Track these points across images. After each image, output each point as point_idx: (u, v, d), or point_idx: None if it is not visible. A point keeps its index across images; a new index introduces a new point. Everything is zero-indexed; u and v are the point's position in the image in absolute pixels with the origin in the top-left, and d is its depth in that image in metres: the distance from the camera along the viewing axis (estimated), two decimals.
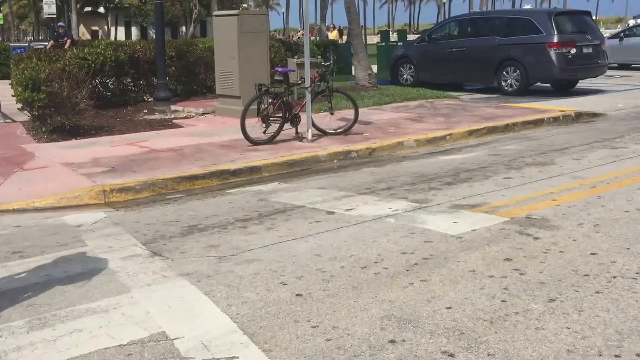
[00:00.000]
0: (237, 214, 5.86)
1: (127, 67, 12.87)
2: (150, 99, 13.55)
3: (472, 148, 8.87)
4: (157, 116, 12.07)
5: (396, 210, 5.67)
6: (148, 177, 7.12)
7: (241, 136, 8.98)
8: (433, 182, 6.76)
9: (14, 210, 6.27)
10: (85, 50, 12.28)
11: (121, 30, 67.63)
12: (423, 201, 5.97)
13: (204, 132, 10.07)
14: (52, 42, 19.32)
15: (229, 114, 11.50)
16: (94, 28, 68.16)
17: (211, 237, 5.15)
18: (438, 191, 6.35)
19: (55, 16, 26.61)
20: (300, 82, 9.24)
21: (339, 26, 65.82)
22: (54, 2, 26.33)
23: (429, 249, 4.57)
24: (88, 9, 63.61)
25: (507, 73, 14.33)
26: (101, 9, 66.80)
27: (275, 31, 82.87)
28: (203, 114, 12.10)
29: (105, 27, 67.93)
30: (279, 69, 9.28)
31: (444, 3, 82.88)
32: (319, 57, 15.73)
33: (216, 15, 11.92)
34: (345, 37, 27.63)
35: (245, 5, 51.83)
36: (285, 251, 4.68)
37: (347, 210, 5.76)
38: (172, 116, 12.02)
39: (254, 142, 8.82)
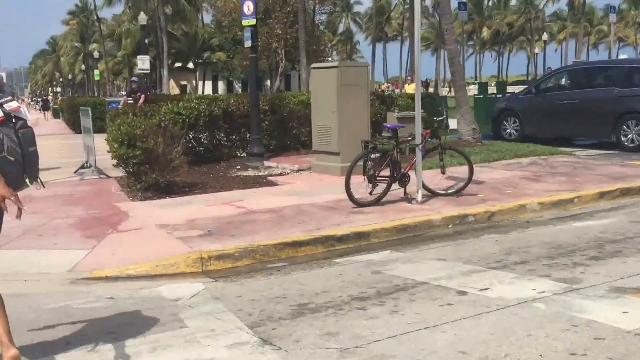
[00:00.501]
0: (352, 290, 5.18)
1: (221, 122, 12.65)
2: (242, 155, 13.26)
3: (606, 213, 7.90)
4: (250, 172, 11.70)
5: (542, 292, 4.83)
6: (247, 243, 6.58)
7: (343, 196, 8.40)
8: (575, 256, 5.87)
9: (107, 278, 5.84)
10: (180, 105, 12.15)
11: (208, 85, 69.74)
12: (572, 281, 5.10)
13: (303, 191, 9.55)
14: (125, 97, 19.43)
15: (327, 171, 10.98)
16: (183, 82, 70.68)
17: (326, 320, 4.48)
18: (586, 268, 5.46)
19: (148, 71, 27.37)
20: (410, 138, 8.60)
21: (426, 79, 65.47)
22: (148, 58, 27.13)
23: (605, 349, 3.72)
24: (178, 64, 66.20)
25: (629, 127, 13.20)
26: (190, 65, 69.26)
27: None
28: (299, 170, 11.63)
29: (194, 82, 70.24)
30: (388, 125, 8.69)
31: (536, 54, 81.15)
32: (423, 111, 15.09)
33: (314, 68, 11.56)
34: (431, 89, 26.74)
35: (330, 58, 52.09)
36: (420, 344, 3.94)
37: (481, 290, 4.97)
38: (267, 173, 11.62)
39: (359, 204, 8.20)
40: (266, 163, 12.36)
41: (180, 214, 8.15)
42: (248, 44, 12.31)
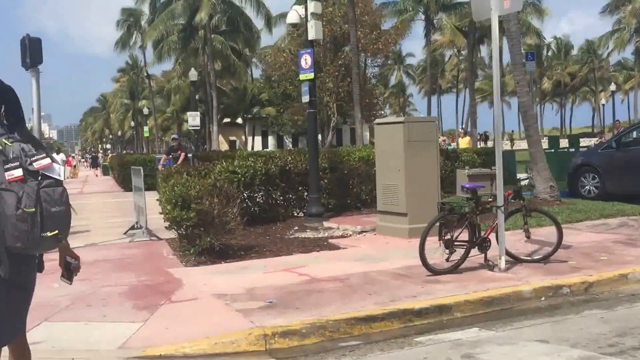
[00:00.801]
0: None
1: (278, 180, 12.34)
2: (299, 214, 12.88)
3: None
4: (309, 234, 11.26)
5: None
6: (315, 317, 6.08)
7: (415, 262, 7.89)
8: None
9: (161, 357, 5.41)
10: (235, 163, 11.90)
11: (258, 140, 70.34)
12: None
13: (369, 256, 9.04)
14: (164, 156, 19.42)
15: (393, 233, 10.46)
16: (232, 138, 71.61)
17: None
18: None
19: (198, 128, 27.59)
20: (490, 199, 8.06)
21: (485, 132, 64.68)
22: (198, 114, 27.39)
23: None
24: (227, 119, 67.09)
25: None
26: (239, 120, 70.08)
27: None
28: (361, 232, 11.15)
29: (243, 137, 70.94)
30: (467, 185, 8.17)
31: (602, 105, 79.62)
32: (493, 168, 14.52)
33: (378, 124, 11.18)
34: (490, 143, 25.87)
35: (382, 112, 51.82)
36: None
37: None
38: (327, 234, 11.17)
39: (435, 271, 7.64)
40: (325, 224, 11.92)
41: (238, 281, 7.73)
42: (306, 99, 12.07)
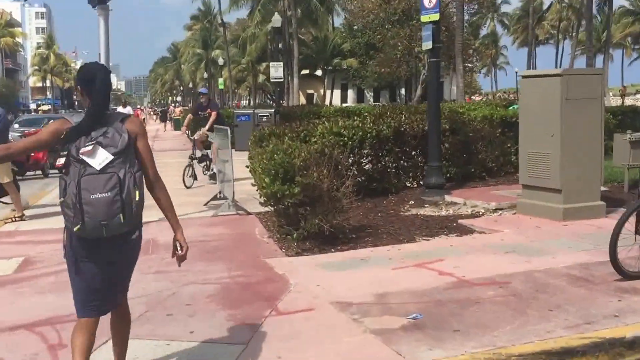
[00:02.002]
0: None
1: (391, 144, 10.69)
2: (413, 185, 11.23)
3: None
4: (429, 210, 9.65)
5: None
6: (488, 349, 4.49)
7: (589, 257, 6.45)
8: None
9: None
10: (341, 124, 10.29)
11: (337, 93, 68.67)
12: None
13: (522, 247, 7.34)
14: (190, 116, 15.49)
15: (541, 213, 8.72)
16: (309, 91, 70.03)
17: None
18: None
19: (282, 80, 26.24)
20: None
21: (624, 86, 61.11)
22: (282, 65, 25.99)
23: None
24: (305, 71, 65.42)
25: None
26: (318, 72, 68.33)
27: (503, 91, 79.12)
28: (496, 210, 9.43)
29: (321, 90, 69.30)
30: None
31: None
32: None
33: (525, 77, 9.34)
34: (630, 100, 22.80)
35: (476, 63, 48.70)
36: None
37: None
38: (452, 212, 9.54)
39: (629, 276, 5.91)
40: (447, 197, 10.26)
41: (361, 281, 6.20)
42: (428, 45, 10.30)
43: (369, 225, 8.68)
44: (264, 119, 23.33)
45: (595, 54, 77.67)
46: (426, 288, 5.92)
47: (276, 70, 25.60)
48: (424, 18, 10.31)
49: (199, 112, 14.93)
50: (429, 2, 10.15)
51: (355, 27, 59.71)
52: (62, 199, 3.43)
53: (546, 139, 8.60)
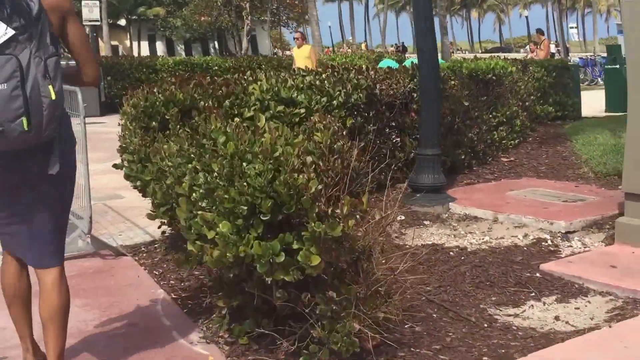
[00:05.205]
0: None
1: (362, 118, 6.30)
2: (387, 182, 6.94)
3: None
4: (440, 234, 5.57)
5: None
6: None
7: None
8: None
9: None
10: (290, 83, 5.69)
11: (144, 45, 62.77)
12: None
13: None
14: None
15: None
16: (114, 43, 62.79)
17: None
18: None
19: (99, 23, 20.59)
20: None
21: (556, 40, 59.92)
22: (98, 3, 20.27)
23: None
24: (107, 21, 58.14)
25: None
26: (122, 21, 61.65)
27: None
28: (568, 234, 5.47)
29: (127, 42, 62.93)
30: None
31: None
32: None
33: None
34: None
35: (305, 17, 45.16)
36: None
37: None
38: (488, 238, 5.47)
39: None
40: (454, 206, 6.18)
41: None
42: None
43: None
44: None
45: None
46: None
47: (91, 10, 19.72)
48: None
49: None
50: None
51: None
52: None
53: None
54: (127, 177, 4.96)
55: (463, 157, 7.49)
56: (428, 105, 6.30)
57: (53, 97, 2.50)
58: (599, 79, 27.16)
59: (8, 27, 2.44)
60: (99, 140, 10.04)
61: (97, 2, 20.33)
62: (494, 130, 8.29)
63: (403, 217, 6.12)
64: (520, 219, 5.78)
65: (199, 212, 3.11)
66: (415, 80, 6.93)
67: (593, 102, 16.41)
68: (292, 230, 3.06)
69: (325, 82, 5.86)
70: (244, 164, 3.00)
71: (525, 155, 8.99)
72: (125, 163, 4.95)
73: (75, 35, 2.74)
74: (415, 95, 6.92)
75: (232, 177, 2.99)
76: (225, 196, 2.89)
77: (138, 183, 4.81)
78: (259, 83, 5.59)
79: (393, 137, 6.67)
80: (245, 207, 2.90)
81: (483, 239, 5.56)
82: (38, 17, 2.53)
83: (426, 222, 6.03)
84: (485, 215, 6.01)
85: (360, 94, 6.13)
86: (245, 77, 5.80)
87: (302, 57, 13.45)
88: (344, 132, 3.98)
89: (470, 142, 7.58)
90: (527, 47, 49.06)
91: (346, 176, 3.61)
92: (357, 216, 3.13)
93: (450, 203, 6.30)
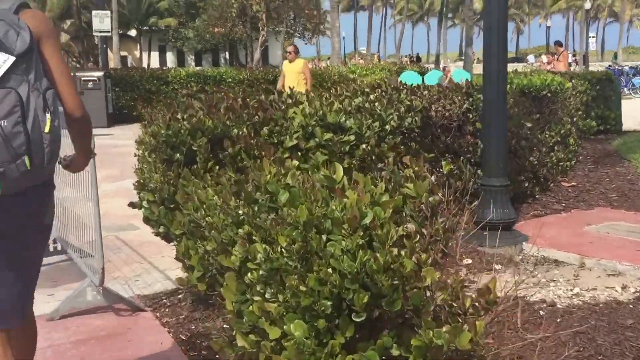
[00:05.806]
0: None
1: (417, 143, 5.37)
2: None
3: None
4: (511, 278, 4.56)
5: None
6: None
7: None
8: None
9: None
10: (336, 106, 4.76)
11: (155, 56, 62.28)
12: None
13: None
14: None
15: None
16: (123, 53, 62.30)
17: None
18: None
19: (109, 34, 19.79)
20: None
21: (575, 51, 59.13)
22: (109, 14, 19.48)
23: None
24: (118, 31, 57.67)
25: None
26: (132, 32, 61.21)
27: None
28: None
29: (136, 52, 62.55)
30: None
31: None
32: None
33: None
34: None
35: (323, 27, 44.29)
36: None
37: None
38: (577, 290, 4.52)
39: None
40: (527, 247, 5.23)
41: None
42: None
43: None
44: (90, 84, 17.71)
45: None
46: None
47: (101, 20, 18.90)
48: None
49: None
50: None
51: None
52: None
53: None
54: (146, 220, 4.06)
55: (526, 184, 6.54)
56: (495, 130, 5.37)
57: (48, 130, 2.27)
58: (625, 89, 26.23)
59: (10, 56, 2.22)
60: (108, 155, 9.17)
61: (108, 12, 19.57)
62: (550, 152, 7.35)
63: (470, 261, 5.19)
64: (614, 266, 4.82)
65: (256, 299, 2.18)
66: (471, 99, 6.03)
67: (629, 113, 15.44)
68: (387, 327, 2.14)
69: (377, 104, 4.92)
70: (323, 236, 2.07)
71: (586, 179, 8.05)
72: (145, 203, 4.05)
73: (52, 60, 2.42)
74: (470, 115, 6.01)
75: (308, 255, 2.05)
76: (302, 288, 1.94)
77: (161, 229, 3.88)
78: (300, 107, 4.67)
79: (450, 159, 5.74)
80: (330, 303, 1.96)
81: (572, 290, 4.60)
82: (31, 47, 2.30)
83: (497, 267, 5.09)
84: (568, 259, 5.06)
85: (416, 117, 5.19)
86: (283, 98, 4.87)
87: (293, 72, 12.28)
88: (432, 178, 3.04)
89: (531, 166, 6.62)
90: (541, 57, 48.08)
91: (441, 242, 2.72)
92: (482, 312, 2.18)
93: (523, 243, 5.35)
